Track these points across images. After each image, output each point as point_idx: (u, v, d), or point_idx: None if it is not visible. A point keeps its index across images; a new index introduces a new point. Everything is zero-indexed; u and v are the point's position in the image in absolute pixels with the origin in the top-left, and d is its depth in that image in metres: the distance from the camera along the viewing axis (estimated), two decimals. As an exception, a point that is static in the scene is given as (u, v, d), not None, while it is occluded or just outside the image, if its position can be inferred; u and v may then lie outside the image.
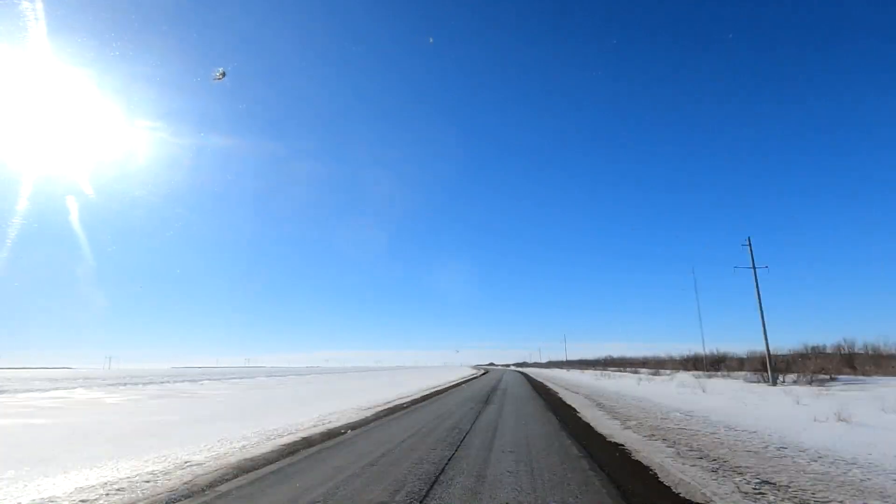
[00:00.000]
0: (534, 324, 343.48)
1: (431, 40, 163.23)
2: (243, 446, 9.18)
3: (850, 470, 6.94)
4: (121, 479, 6.57)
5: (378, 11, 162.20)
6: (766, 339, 30.39)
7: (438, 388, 29.67)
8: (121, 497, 5.70)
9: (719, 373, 45.40)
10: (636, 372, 60.24)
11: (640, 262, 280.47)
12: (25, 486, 6.20)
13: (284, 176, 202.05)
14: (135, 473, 6.87)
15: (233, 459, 7.92)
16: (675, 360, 62.51)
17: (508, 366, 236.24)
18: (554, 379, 48.18)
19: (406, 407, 17.34)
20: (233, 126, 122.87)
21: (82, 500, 5.56)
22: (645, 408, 16.50)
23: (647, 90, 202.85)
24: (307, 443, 9.59)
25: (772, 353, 30.63)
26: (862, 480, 6.36)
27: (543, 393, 25.89)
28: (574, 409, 16.33)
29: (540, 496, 5.57)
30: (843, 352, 44.72)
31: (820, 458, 7.81)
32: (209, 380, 51.18)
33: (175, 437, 10.30)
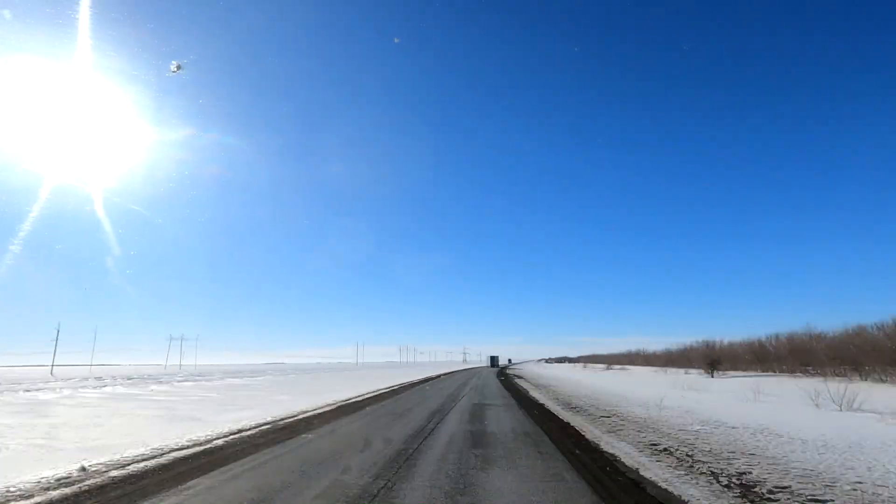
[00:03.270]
0: (556, 322, 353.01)
1: (397, 40, 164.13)
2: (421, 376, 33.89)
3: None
4: (393, 384, 31.22)
5: (359, 13, 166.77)
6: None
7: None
8: (392, 384, 30.13)
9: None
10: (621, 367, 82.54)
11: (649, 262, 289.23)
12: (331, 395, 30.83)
13: (299, 173, 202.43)
14: (393, 382, 31.54)
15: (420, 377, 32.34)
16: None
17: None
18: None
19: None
20: (198, 122, 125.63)
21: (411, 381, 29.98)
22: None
23: (626, 89, 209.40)
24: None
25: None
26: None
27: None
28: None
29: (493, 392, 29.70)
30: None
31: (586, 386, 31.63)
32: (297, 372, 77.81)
33: (391, 378, 35.28)
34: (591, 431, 9.44)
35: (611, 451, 7.48)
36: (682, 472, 6.08)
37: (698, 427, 9.83)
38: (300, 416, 11.68)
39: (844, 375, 26.73)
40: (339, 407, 14.02)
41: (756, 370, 38.02)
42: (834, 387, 16.14)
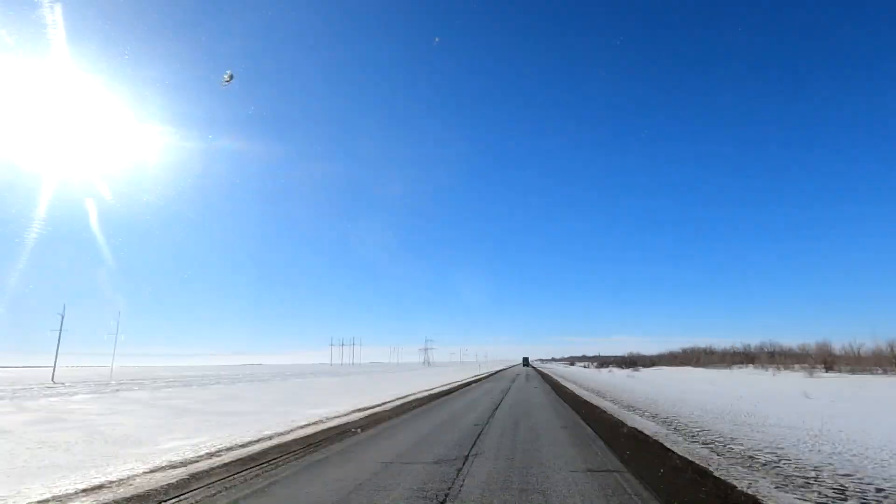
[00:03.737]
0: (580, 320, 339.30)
1: (437, 40, 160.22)
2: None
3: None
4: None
5: (385, 13, 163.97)
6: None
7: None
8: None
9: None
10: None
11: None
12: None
13: (293, 177, 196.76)
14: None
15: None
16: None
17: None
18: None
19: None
20: (241, 128, 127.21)
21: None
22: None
23: (658, 93, 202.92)
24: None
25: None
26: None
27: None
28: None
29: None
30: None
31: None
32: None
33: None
34: None
35: None
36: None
37: None
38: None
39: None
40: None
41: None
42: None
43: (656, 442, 8.56)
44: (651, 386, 26.52)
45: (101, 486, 5.53)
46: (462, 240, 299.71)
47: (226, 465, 6.68)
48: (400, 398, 17.99)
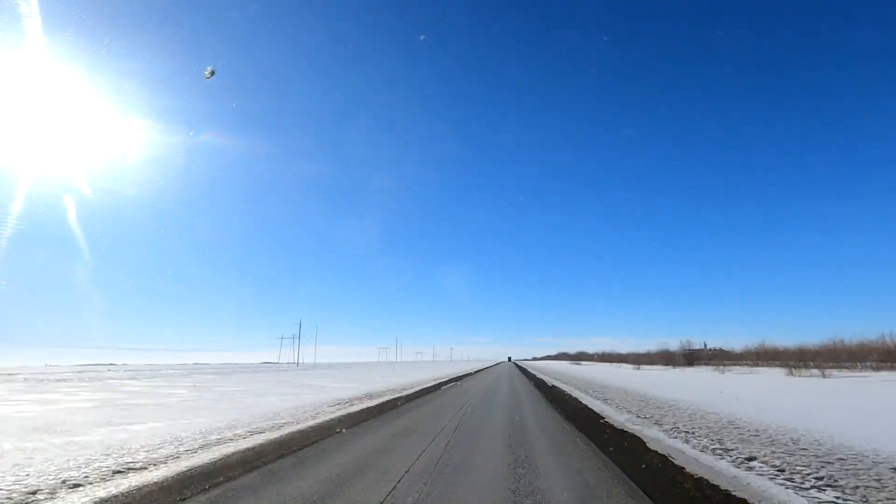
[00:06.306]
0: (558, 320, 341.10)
1: (423, 37, 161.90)
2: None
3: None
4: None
5: (372, 9, 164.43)
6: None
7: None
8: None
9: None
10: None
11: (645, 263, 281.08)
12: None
13: (277, 174, 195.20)
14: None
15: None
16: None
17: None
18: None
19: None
20: (225, 124, 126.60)
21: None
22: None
23: (648, 91, 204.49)
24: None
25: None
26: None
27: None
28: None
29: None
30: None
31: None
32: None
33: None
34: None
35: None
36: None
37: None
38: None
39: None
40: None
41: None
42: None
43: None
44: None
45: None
46: (445, 239, 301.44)
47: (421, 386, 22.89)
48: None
